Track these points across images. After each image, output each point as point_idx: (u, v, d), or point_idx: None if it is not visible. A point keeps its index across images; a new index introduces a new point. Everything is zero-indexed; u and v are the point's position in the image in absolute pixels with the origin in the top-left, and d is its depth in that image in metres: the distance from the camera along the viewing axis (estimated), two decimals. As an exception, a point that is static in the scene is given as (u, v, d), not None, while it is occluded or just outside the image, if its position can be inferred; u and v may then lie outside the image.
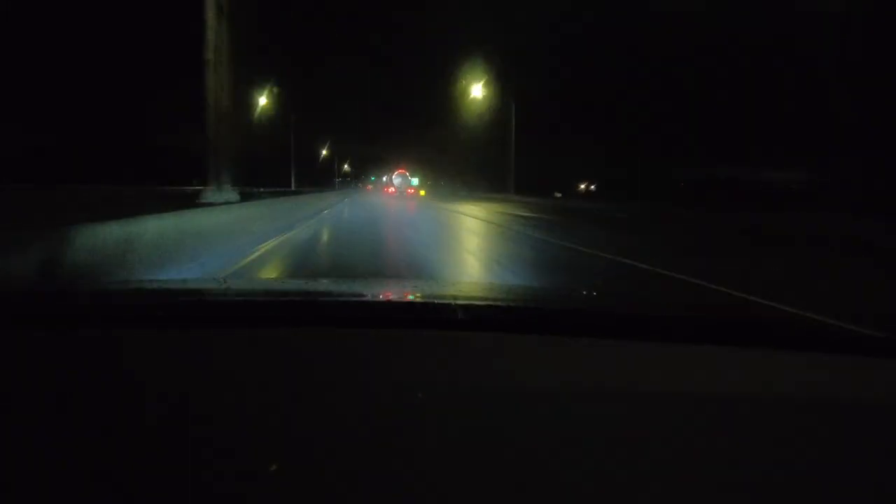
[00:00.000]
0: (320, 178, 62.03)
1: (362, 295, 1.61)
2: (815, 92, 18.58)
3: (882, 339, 1.17)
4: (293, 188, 33.46)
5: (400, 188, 67.57)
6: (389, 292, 1.70)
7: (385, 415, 0.89)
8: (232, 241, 8.77)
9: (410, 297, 1.56)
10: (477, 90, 35.55)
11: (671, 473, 0.76)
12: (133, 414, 0.89)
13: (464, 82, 36.59)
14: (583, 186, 42.23)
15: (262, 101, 30.11)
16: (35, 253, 4.40)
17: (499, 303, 1.44)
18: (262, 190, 23.07)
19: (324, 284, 2.08)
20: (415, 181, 76.02)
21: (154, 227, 6.10)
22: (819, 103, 18.43)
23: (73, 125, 23.05)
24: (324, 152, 63.91)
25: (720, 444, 0.83)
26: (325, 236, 12.05)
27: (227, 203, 11.04)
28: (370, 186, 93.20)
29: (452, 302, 1.29)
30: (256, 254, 8.39)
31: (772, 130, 20.50)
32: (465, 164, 62.06)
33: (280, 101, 33.76)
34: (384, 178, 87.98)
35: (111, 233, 5.31)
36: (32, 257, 4.35)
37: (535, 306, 1.41)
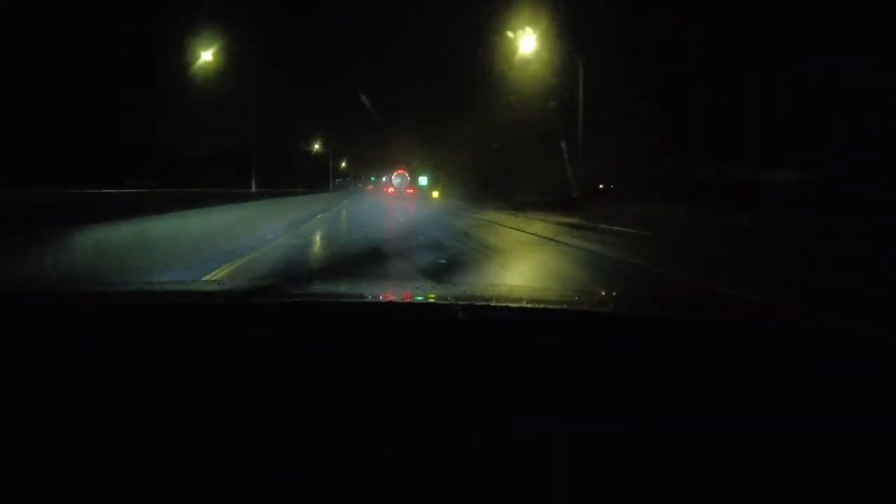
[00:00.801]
0: (316, 179, 60.63)
1: (363, 296, 1.73)
2: (814, 91, 20.08)
3: (883, 340, 1.21)
4: (254, 189, 26.25)
5: (399, 188, 69.75)
6: (390, 293, 1.81)
7: (384, 413, 0.97)
8: None
9: (411, 298, 1.66)
10: (527, 44, 27.14)
11: (671, 477, 0.83)
12: (133, 411, 0.97)
13: (497, 53, 30.96)
14: (600, 186, 42.42)
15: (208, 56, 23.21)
16: (32, 254, 4.89)
17: (499, 303, 1.51)
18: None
19: (325, 286, 2.21)
20: (423, 181, 75.78)
21: None
22: (819, 102, 19.94)
23: (48, 124, 23.82)
24: (316, 147, 63.57)
25: (719, 443, 0.92)
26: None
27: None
28: (370, 187, 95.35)
29: (454, 303, 1.39)
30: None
31: (769, 129, 21.95)
32: (479, 164, 56.00)
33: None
34: (384, 179, 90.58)
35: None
36: (30, 259, 4.84)
37: (535, 307, 1.48)
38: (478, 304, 1.42)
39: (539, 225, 17.07)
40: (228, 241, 10.49)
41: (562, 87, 29.77)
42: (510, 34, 27.57)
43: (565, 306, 1.47)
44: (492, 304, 1.46)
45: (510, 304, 1.49)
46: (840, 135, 19.15)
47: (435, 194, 52.62)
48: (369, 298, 1.68)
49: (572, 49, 26.82)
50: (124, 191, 17.07)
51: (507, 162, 49.07)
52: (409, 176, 76.10)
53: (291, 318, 1.32)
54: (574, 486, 0.82)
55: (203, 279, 6.58)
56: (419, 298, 1.67)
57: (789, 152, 20.72)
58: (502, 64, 33.95)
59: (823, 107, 19.60)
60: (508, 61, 32.49)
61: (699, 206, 20.14)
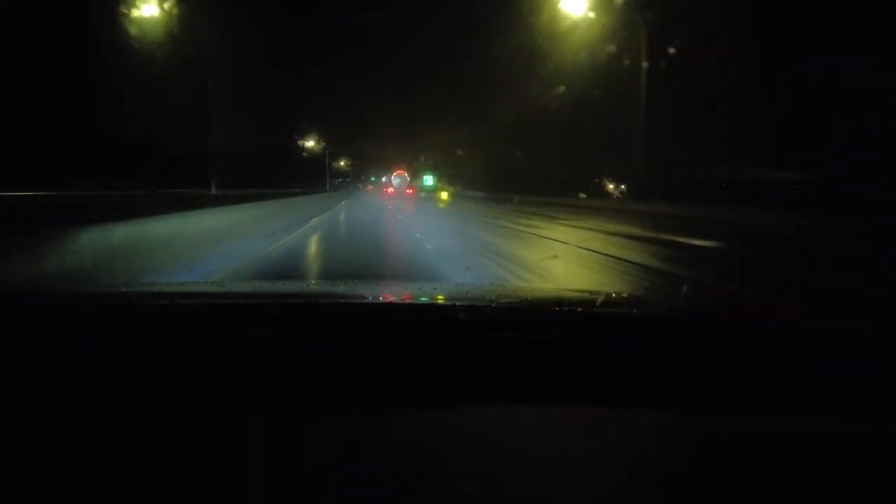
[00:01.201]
0: (314, 179, 59.88)
1: (363, 296, 1.79)
2: (811, 89, 20.65)
3: (887, 340, 1.26)
4: (213, 191, 23.77)
5: (399, 188, 70.66)
6: (390, 293, 1.88)
7: (385, 412, 1.02)
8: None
9: (411, 299, 1.73)
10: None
11: (670, 481, 0.85)
12: (134, 411, 1.02)
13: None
14: (612, 187, 42.17)
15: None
16: (34, 256, 5.15)
17: (499, 303, 1.55)
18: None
19: (325, 286, 2.36)
20: (429, 180, 75.28)
21: None
22: (817, 101, 20.52)
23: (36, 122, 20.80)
24: (315, 147, 63.61)
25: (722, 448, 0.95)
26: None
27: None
28: (370, 187, 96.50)
29: (454, 303, 1.45)
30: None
31: (765, 128, 22.54)
32: (487, 161, 54.85)
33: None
34: (383, 179, 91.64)
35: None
36: (32, 260, 5.08)
37: (535, 307, 1.51)
38: (478, 304, 1.48)
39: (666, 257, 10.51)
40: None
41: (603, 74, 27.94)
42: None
43: (566, 307, 1.48)
44: (492, 305, 1.51)
45: (510, 304, 1.54)
46: (840, 134, 19.68)
47: (444, 195, 48.20)
48: (369, 299, 1.75)
49: (638, 7, 23.52)
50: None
51: (521, 160, 47.20)
52: (410, 176, 76.97)
53: (291, 318, 1.36)
54: (569, 481, 0.85)
55: (203, 280, 6.56)
56: (419, 299, 1.73)
57: (794, 152, 21.25)
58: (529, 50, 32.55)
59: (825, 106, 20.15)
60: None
61: (737, 209, 19.53)
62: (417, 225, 18.99)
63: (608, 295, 2.05)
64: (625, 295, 2.13)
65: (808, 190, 20.85)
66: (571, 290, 2.27)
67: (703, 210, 20.31)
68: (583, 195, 37.98)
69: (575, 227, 17.07)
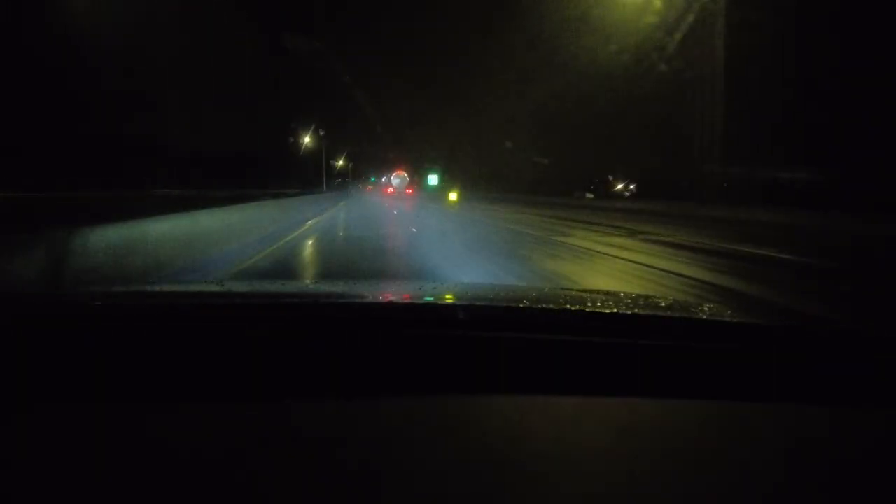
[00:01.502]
0: (312, 178, 59.54)
1: (364, 296, 1.82)
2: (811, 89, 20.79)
3: (887, 340, 1.27)
4: (173, 192, 22.03)
5: (399, 188, 71.01)
6: (390, 293, 1.90)
7: (384, 412, 1.03)
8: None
9: (410, 298, 1.75)
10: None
11: (670, 478, 0.86)
12: (133, 411, 1.03)
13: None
14: (620, 186, 40.95)
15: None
16: (36, 255, 5.18)
17: (499, 303, 1.59)
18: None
19: (326, 286, 2.32)
20: (433, 179, 74.97)
21: None
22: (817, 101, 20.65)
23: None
24: (313, 145, 63.39)
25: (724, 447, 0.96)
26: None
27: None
28: (370, 187, 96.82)
29: (454, 303, 1.49)
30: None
31: (763, 128, 22.75)
32: (489, 162, 55.93)
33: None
34: (383, 179, 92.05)
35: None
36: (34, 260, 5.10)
37: (535, 307, 1.53)
38: (478, 304, 1.51)
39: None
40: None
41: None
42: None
43: (566, 306, 1.50)
44: (492, 305, 1.54)
45: (511, 304, 1.56)
46: (840, 134, 19.84)
47: (453, 196, 42.97)
48: (369, 299, 1.77)
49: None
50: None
51: (519, 159, 47.12)
52: (410, 175, 77.25)
53: (291, 318, 1.37)
54: (566, 480, 0.86)
55: (203, 280, 6.55)
56: (419, 298, 1.74)
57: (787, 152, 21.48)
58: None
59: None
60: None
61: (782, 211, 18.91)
62: (445, 247, 12.45)
63: (608, 294, 2.08)
64: (626, 294, 2.13)
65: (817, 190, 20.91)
66: (571, 290, 2.27)
67: (771, 215, 19.28)
68: (589, 195, 37.43)
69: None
